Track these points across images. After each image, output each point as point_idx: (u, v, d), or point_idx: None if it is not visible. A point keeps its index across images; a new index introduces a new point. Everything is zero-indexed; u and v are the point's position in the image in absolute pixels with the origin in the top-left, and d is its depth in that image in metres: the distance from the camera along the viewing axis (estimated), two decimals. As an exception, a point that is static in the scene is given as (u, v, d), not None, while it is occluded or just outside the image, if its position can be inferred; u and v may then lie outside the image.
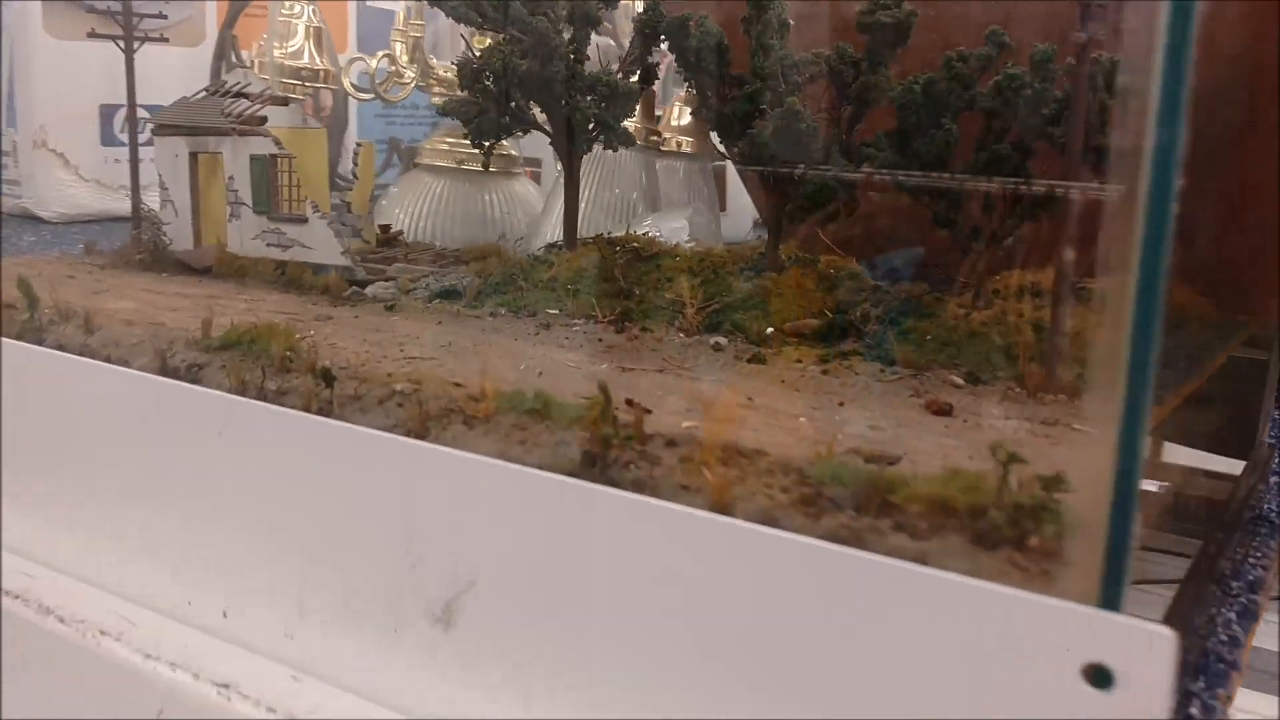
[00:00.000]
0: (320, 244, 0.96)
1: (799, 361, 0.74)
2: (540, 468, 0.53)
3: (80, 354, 0.74)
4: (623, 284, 0.89)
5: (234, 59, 1.81)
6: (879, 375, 0.71)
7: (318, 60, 1.37)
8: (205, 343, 0.71)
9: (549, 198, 1.32)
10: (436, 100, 1.49)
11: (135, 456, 0.66)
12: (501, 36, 0.93)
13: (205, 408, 0.63)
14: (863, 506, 0.47)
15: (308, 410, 0.62)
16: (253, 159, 0.99)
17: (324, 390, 0.63)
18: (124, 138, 1.80)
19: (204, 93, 1.10)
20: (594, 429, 0.55)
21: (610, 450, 0.53)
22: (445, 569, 0.53)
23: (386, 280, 0.96)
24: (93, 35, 1.10)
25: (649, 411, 0.60)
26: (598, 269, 0.91)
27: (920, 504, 0.46)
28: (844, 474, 0.48)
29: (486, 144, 0.96)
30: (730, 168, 1.50)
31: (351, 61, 1.39)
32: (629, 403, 0.57)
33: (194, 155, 1.04)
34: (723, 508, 0.49)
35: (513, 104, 0.94)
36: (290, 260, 0.98)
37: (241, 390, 0.66)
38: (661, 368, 0.72)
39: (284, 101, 1.07)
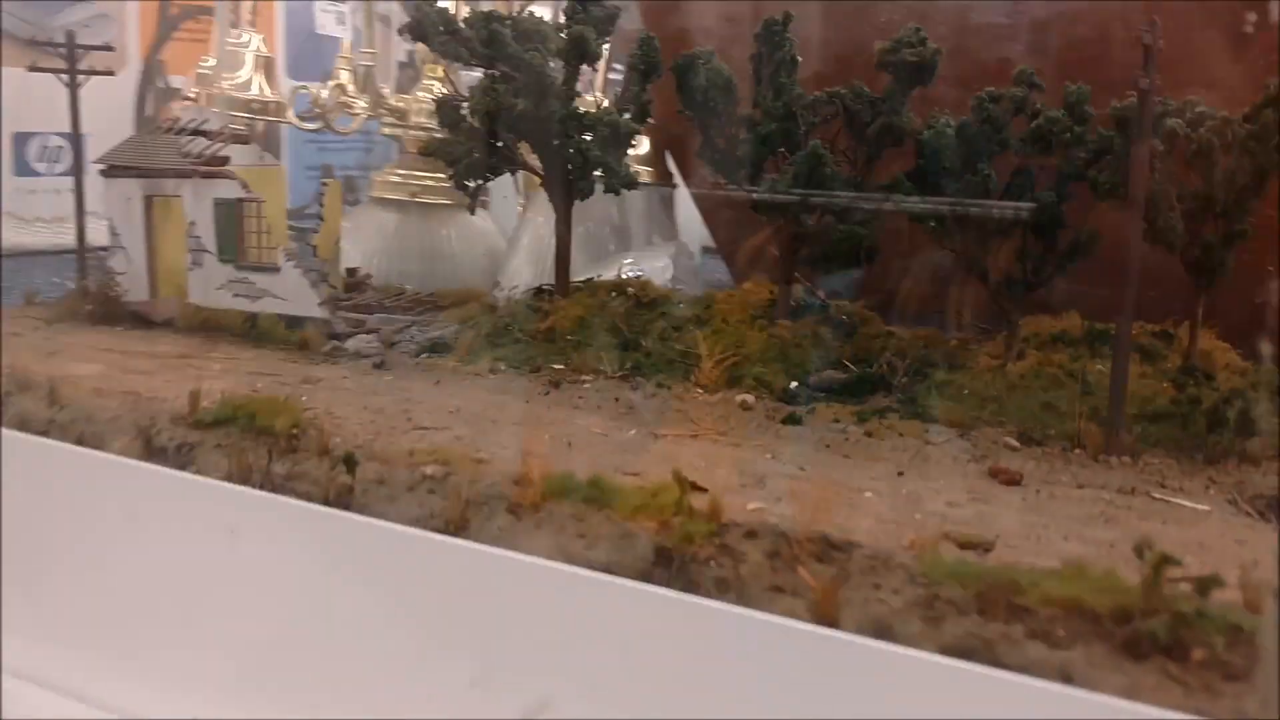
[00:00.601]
0: (294, 294, 0.90)
1: (837, 421, 0.70)
2: (607, 569, 0.48)
3: (46, 433, 0.67)
4: (627, 334, 0.85)
5: (162, 86, 1.73)
6: (925, 436, 0.67)
7: (267, 91, 1.30)
8: (195, 418, 0.64)
9: (517, 232, 1.26)
10: (388, 131, 1.43)
11: (127, 559, 0.58)
12: (491, 74, 0.87)
13: (209, 501, 0.57)
14: (988, 610, 0.42)
15: (326, 501, 0.56)
16: (217, 203, 0.92)
17: (343, 476, 0.56)
18: (40, 168, 1.70)
19: (157, 129, 1.02)
20: (663, 519, 0.50)
21: (688, 546, 0.48)
22: (510, 688, 0.47)
23: (367, 333, 0.90)
24: (34, 69, 1.02)
25: (702, 490, 0.55)
26: (598, 318, 0.86)
27: (1053, 607, 0.42)
28: (961, 573, 0.44)
29: (473, 186, 0.90)
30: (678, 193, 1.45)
31: (295, 90, 1.32)
32: (693, 485, 0.53)
33: (149, 199, 0.96)
34: (827, 615, 0.44)
35: (500, 144, 0.88)
36: (260, 312, 0.91)
37: (245, 476, 0.59)
38: (695, 432, 0.67)
39: (245, 139, 1.00)
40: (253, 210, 0.91)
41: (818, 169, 0.74)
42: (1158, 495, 0.57)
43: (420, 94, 1.36)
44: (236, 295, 0.92)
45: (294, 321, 0.89)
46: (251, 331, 0.90)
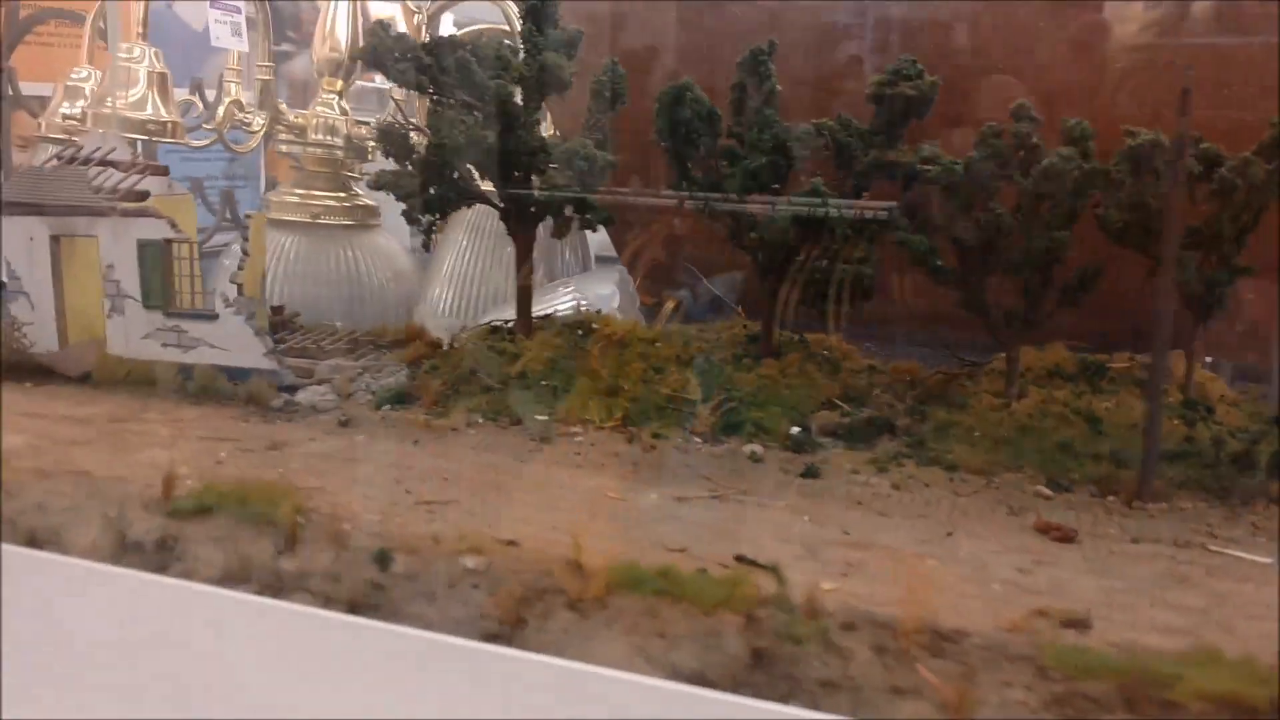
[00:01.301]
0: (235, 343, 0.82)
1: (856, 473, 0.67)
2: (698, 676, 0.44)
3: (-11, 526, 0.58)
4: (606, 378, 0.80)
5: (13, 95, 1.59)
6: (952, 486, 0.65)
7: (163, 111, 1.20)
8: (173, 506, 0.57)
9: (436, 255, 1.19)
10: (285, 148, 1.34)
11: (109, 680, 0.51)
12: (442, 101, 0.81)
13: (207, 609, 0.50)
14: (1137, 707, 0.40)
15: (355, 605, 0.50)
16: (142, 245, 0.83)
17: (369, 572, 0.51)
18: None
19: (55, 160, 0.92)
20: (749, 611, 0.46)
21: (787, 644, 0.44)
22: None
23: (318, 383, 0.83)
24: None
25: (766, 568, 0.51)
26: (572, 360, 0.81)
27: (1206, 701, 0.40)
28: (1092, 664, 0.42)
29: (427, 221, 0.84)
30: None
31: (182, 103, 1.22)
32: (754, 564, 0.49)
33: (56, 239, 0.87)
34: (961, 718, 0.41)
35: (454, 175, 0.83)
36: (194, 363, 0.83)
37: (244, 574, 0.53)
38: (716, 492, 0.64)
39: (164, 170, 0.91)
40: (184, 251, 0.83)
41: (816, 206, 0.71)
42: (1214, 548, 0.57)
43: (320, 110, 1.29)
44: (166, 345, 0.84)
45: (236, 373, 0.82)
46: (185, 385, 0.82)
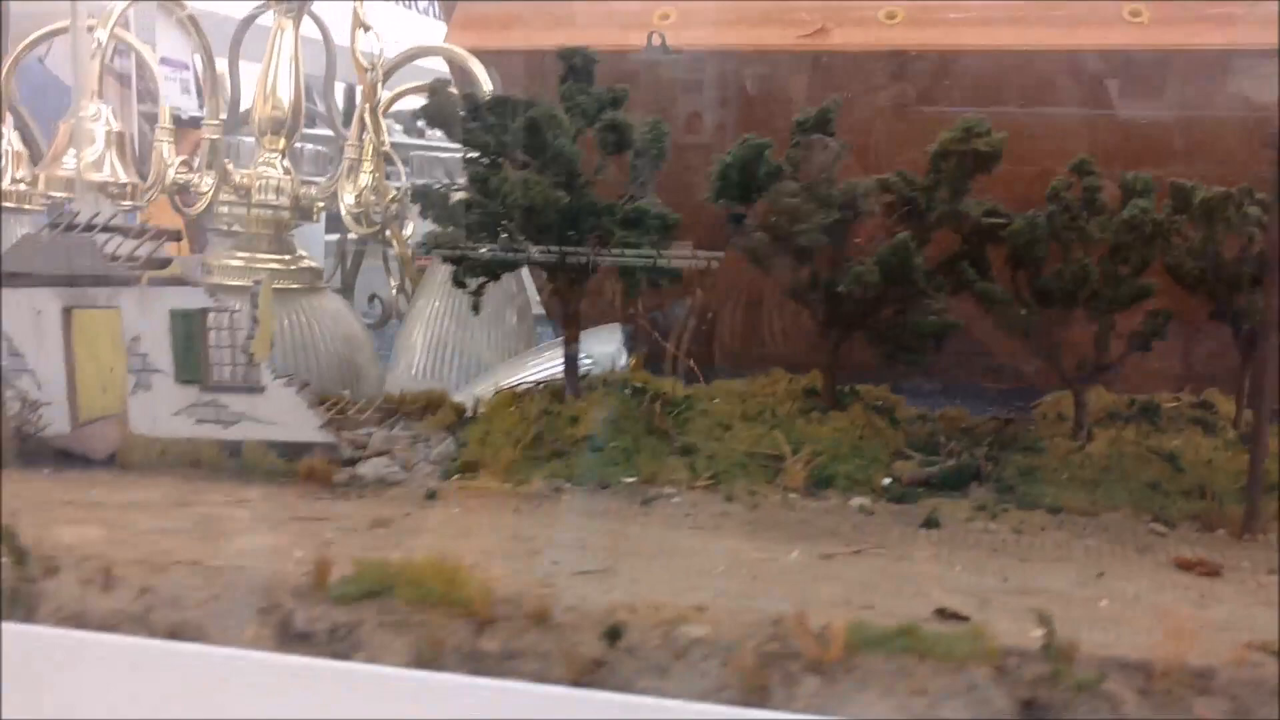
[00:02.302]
0: (285, 417, 0.77)
1: (971, 520, 0.68)
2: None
3: (114, 629, 0.53)
4: (673, 436, 0.79)
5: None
6: (1070, 529, 0.67)
7: (121, 172, 1.13)
8: (340, 593, 0.53)
9: (406, 324, 1.16)
10: (226, 210, 1.28)
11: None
12: (498, 161, 0.80)
13: (403, 699, 0.47)
14: None
15: (578, 681, 0.48)
16: (175, 315, 0.78)
17: (586, 648, 0.48)
18: None
19: (47, 229, 0.86)
20: (996, 664, 0.46)
21: (1056, 692, 0.45)
22: None
23: (377, 455, 0.79)
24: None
25: (963, 618, 0.52)
26: (639, 420, 0.80)
27: None
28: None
29: (475, 285, 0.82)
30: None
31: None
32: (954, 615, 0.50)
33: (68, 311, 0.81)
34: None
35: (506, 236, 0.81)
36: (234, 440, 0.78)
37: (436, 657, 0.50)
38: (857, 547, 0.64)
39: (177, 236, 0.86)
40: (224, 321, 0.79)
41: (907, 260, 0.73)
42: (1342, 573, 0.60)
43: (263, 169, 1.24)
44: (201, 421, 0.79)
45: (288, 448, 0.77)
46: (230, 463, 0.77)
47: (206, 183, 1.27)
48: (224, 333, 0.78)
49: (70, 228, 0.84)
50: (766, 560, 0.61)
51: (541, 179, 0.75)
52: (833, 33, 0.96)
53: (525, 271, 1.08)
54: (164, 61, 1.21)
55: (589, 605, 0.52)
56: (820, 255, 0.78)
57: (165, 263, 0.81)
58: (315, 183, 1.28)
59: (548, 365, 1.02)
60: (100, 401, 0.83)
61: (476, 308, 0.84)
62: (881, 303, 0.76)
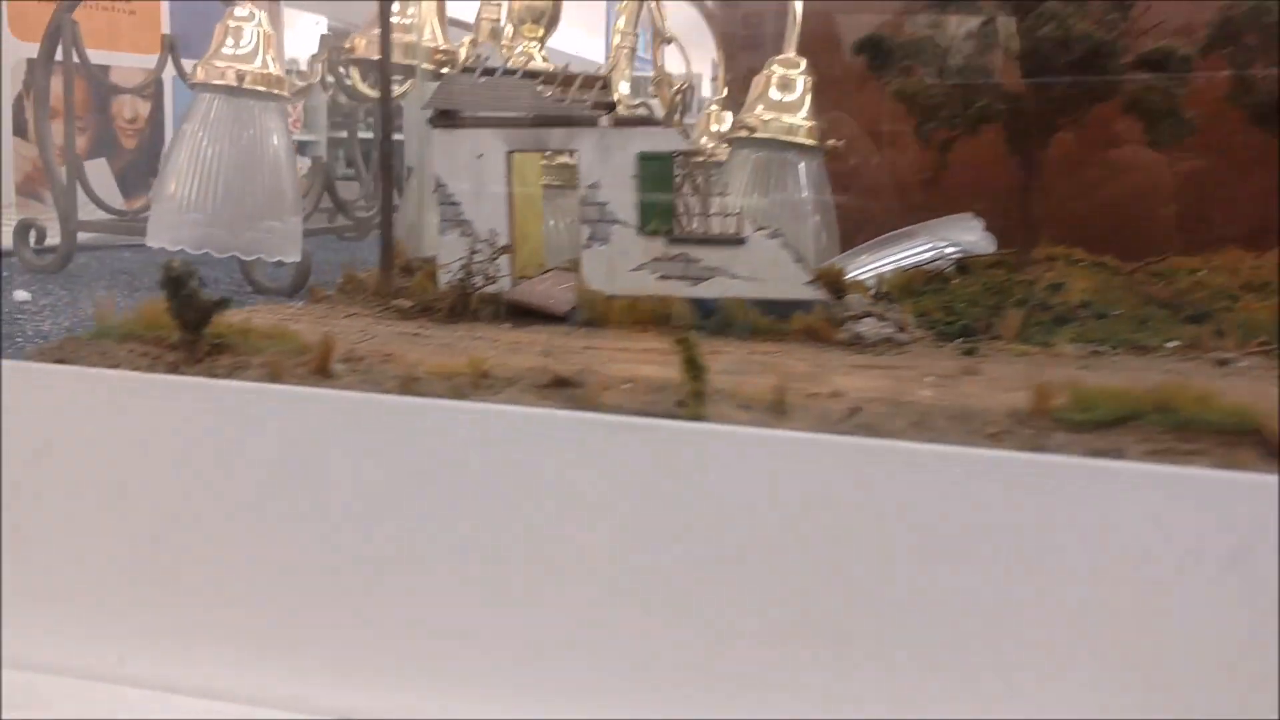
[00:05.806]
0: (766, 271, 0.71)
1: None
2: None
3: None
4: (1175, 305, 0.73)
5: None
6: None
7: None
8: (1061, 415, 0.47)
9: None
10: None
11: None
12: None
13: None
14: None
15: None
16: (644, 159, 0.71)
17: None
18: None
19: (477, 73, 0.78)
20: None
21: None
22: None
23: (867, 315, 0.72)
24: None
25: None
26: (1132, 292, 0.74)
27: None
28: None
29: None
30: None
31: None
32: None
33: (510, 155, 0.74)
34: None
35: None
36: (703, 297, 0.71)
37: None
38: None
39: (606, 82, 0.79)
40: (697, 167, 0.72)
41: None
42: None
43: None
44: (665, 278, 0.72)
45: (771, 307, 0.71)
46: (707, 322, 0.71)
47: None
48: (697, 180, 0.72)
49: (493, 73, 0.77)
50: None
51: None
52: None
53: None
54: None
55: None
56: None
57: (611, 106, 0.74)
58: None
59: (916, 249, 0.96)
60: (535, 257, 0.77)
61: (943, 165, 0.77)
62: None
